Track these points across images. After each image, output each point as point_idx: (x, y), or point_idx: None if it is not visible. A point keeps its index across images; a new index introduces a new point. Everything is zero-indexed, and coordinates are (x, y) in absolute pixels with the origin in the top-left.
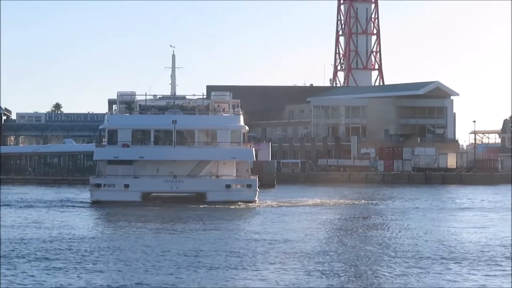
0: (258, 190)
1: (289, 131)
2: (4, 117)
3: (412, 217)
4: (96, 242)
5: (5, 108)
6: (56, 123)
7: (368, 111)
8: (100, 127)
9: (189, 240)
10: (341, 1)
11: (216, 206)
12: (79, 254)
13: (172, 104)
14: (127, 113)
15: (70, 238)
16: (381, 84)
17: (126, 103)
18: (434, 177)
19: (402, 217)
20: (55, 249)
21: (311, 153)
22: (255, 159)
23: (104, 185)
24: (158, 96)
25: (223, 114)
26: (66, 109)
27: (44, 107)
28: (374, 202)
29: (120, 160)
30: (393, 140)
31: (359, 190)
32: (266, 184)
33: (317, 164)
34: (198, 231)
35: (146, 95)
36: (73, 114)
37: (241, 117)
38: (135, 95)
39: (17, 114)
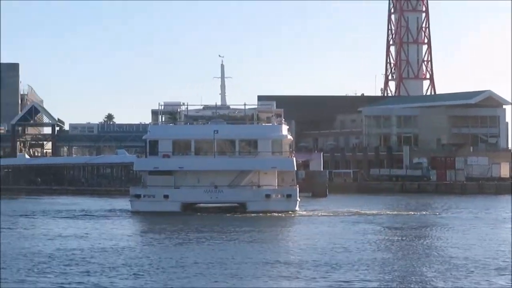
0: (299, 200)
1: (341, 141)
2: (57, 128)
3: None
4: (121, 253)
5: (58, 119)
6: (108, 133)
7: (420, 120)
8: (143, 137)
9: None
10: (392, 11)
11: (252, 215)
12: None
13: (217, 114)
14: (171, 123)
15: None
16: (432, 93)
17: (169, 114)
18: (488, 187)
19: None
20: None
21: (363, 162)
22: (306, 169)
23: (144, 196)
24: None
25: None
26: (118, 119)
27: (97, 118)
28: (425, 212)
29: (161, 171)
30: (446, 149)
31: (410, 201)
32: (318, 194)
33: (369, 174)
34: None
35: (187, 105)
36: (125, 124)
37: (284, 127)
38: (179, 105)
39: (70, 125)
